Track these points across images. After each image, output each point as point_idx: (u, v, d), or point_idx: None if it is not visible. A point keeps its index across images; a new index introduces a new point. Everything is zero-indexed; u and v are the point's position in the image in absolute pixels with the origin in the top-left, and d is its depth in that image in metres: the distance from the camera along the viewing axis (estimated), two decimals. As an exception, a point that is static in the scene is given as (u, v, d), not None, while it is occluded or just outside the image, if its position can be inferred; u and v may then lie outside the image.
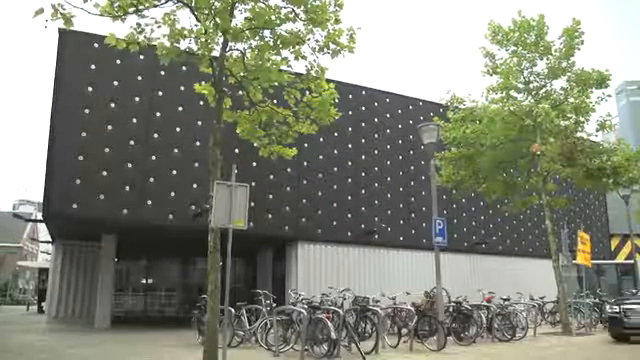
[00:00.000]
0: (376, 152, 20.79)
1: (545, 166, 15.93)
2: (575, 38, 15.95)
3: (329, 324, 9.41)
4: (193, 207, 15.73)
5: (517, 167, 17.36)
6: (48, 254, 29.08)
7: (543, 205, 16.26)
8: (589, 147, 16.17)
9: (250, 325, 11.62)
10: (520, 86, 16.55)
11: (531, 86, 16.55)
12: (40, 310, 27.66)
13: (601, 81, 15.83)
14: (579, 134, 16.48)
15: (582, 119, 16.15)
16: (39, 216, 21.80)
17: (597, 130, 16.54)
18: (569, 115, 15.95)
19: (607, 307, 13.34)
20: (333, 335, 9.30)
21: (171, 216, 15.90)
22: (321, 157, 19.13)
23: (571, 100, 15.94)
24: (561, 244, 16.28)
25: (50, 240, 22.85)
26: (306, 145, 17.64)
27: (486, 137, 16.21)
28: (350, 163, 20.04)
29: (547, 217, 15.94)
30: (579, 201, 27.43)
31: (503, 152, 16.44)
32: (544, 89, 16.58)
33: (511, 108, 15.86)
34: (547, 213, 16.01)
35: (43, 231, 25.90)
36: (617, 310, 12.08)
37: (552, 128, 15.77)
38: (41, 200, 16.40)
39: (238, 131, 10.51)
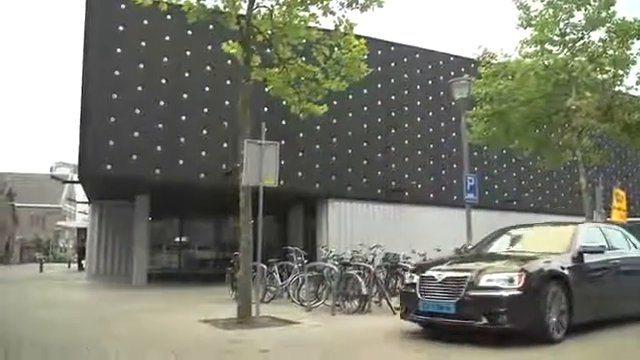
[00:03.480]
0: (406, 109, 20.54)
1: (580, 121, 15.46)
2: (616, -14, 15.19)
3: (360, 280, 9.54)
4: (224, 166, 15.89)
5: (551, 123, 16.91)
6: (85, 214, 29.94)
7: (577, 162, 15.90)
8: (628, 101, 15.60)
9: (282, 281, 11.84)
10: (555, 39, 15.91)
11: (567, 38, 15.90)
12: (80, 267, 28.74)
13: (643, 31, 15.13)
14: (617, 88, 15.89)
15: (621, 72, 15.51)
16: (75, 178, 22.35)
17: (637, 83, 15.92)
18: (607, 68, 15.34)
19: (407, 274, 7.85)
20: (364, 291, 9.44)
21: (202, 175, 16.14)
22: (351, 114, 18.99)
23: (610, 52, 15.29)
24: (596, 201, 15.97)
25: (87, 201, 23.49)
26: (335, 102, 17.47)
27: (519, 93, 15.78)
28: (380, 120, 19.87)
29: (581, 174, 15.58)
30: (616, 157, 26.70)
31: (536, 108, 15.98)
32: (581, 41, 15.92)
33: (545, 62, 15.34)
34: (582, 170, 15.64)
35: (80, 192, 26.62)
36: (413, 281, 6.88)
37: (589, 82, 15.23)
38: (76, 162, 16.78)
39: (267, 89, 10.47)
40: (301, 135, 17.67)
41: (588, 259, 6.92)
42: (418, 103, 20.81)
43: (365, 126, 19.46)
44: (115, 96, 15.43)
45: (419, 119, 20.73)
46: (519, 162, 22.29)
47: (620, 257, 7.69)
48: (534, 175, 23.21)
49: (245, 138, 8.68)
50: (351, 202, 18.77)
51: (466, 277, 6.27)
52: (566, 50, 15.86)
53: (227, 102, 16.32)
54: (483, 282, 6.16)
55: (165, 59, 16.27)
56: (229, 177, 15.46)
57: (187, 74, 16.47)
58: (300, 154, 17.64)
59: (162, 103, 16.00)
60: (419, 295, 6.55)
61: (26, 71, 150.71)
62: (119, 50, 15.73)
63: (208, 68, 16.67)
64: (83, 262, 26.33)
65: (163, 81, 16.13)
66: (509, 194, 22.58)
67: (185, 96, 16.35)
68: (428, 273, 6.66)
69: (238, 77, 10.32)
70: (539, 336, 6.08)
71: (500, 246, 8.06)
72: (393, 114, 20.18)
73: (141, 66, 15.93)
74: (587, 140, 16.53)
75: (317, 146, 18.25)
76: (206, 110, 16.47)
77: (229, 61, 14.40)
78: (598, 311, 7.02)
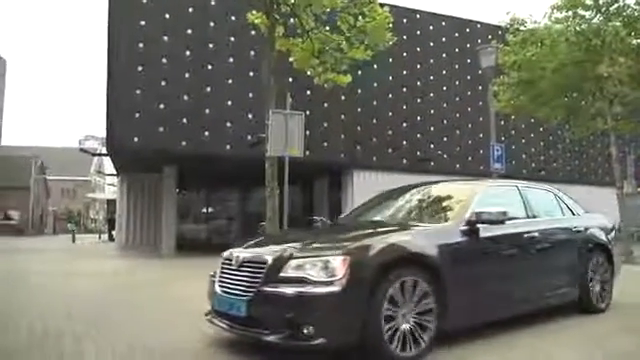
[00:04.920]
0: (432, 77, 20.25)
1: (612, 89, 15.08)
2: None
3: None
4: (249, 137, 15.96)
5: (581, 90, 16.51)
6: (114, 186, 30.53)
7: (608, 130, 15.55)
8: (663, 68, 15.12)
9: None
10: (588, 3, 15.39)
11: (601, 2, 15.35)
12: (111, 238, 29.42)
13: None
14: (652, 54, 15.39)
15: (657, 37, 15.02)
16: (103, 150, 22.73)
17: (673, 49, 15.38)
18: (642, 33, 14.86)
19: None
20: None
21: (228, 146, 16.26)
22: (375, 84, 18.82)
23: (646, 16, 14.78)
24: (626, 171, 15.67)
25: (115, 173, 23.91)
26: (360, 72, 17.33)
27: (548, 60, 15.40)
28: (405, 89, 19.66)
29: (612, 143, 15.28)
30: (648, 125, 26.01)
31: (566, 75, 15.60)
32: (615, 5, 15.39)
33: (577, 28, 14.90)
34: (612, 139, 15.33)
35: (108, 164, 27.13)
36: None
37: (622, 48, 14.77)
38: (104, 135, 17.04)
39: (292, 60, 10.42)
40: (326, 105, 17.60)
41: (486, 232, 4.66)
42: (444, 72, 20.48)
43: (390, 96, 19.29)
44: (140, 69, 15.54)
45: (445, 88, 20.44)
46: (547, 131, 21.86)
47: (543, 228, 5.40)
48: (562, 144, 22.77)
49: (270, 109, 8.70)
50: (376, 172, 18.73)
51: (266, 261, 3.98)
52: (599, 15, 15.35)
53: (252, 73, 16.31)
54: (288, 270, 3.85)
55: (189, 31, 16.27)
56: (254, 148, 15.57)
57: (211, 45, 16.47)
58: (325, 124, 17.61)
59: (187, 75, 16.07)
60: (216, 286, 4.42)
61: (55, 46, 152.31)
62: (143, 22, 15.78)
63: (232, 39, 16.64)
64: (113, 233, 26.96)
65: (187, 53, 16.17)
66: (536, 164, 22.24)
67: (210, 67, 16.39)
68: (228, 253, 4.48)
69: (262, 47, 10.30)
70: (375, 356, 3.79)
71: (378, 213, 5.71)
72: (418, 83, 19.93)
73: (165, 38, 15.98)
74: (619, 108, 16.13)
75: (342, 116, 18.18)
76: (231, 81, 16.50)
77: (253, 31, 14.35)
78: (498, 306, 4.81)
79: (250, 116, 16.12)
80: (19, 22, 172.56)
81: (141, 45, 15.65)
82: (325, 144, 17.63)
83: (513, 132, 21.44)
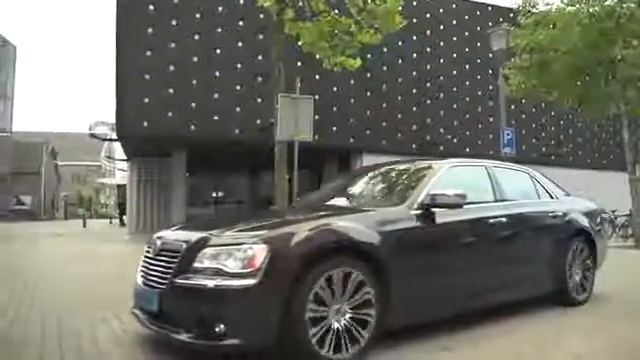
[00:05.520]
0: (442, 61, 20.07)
1: (626, 72, 14.85)
2: None
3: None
4: (258, 121, 15.95)
5: (594, 74, 16.29)
6: (124, 171, 30.67)
7: (621, 115, 15.37)
8: (678, 51, 14.86)
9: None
10: (602, -17, 15.17)
11: (614, -17, 15.14)
12: (122, 223, 29.65)
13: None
14: (667, 36, 15.12)
15: (672, 19, 14.74)
16: (113, 136, 22.81)
17: (688, 32, 15.09)
18: (658, 14, 14.58)
19: None
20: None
21: (237, 130, 16.27)
22: (385, 68, 18.70)
23: (662, -3, 14.51)
24: (638, 156, 15.50)
25: (125, 158, 24.01)
26: (370, 56, 17.20)
27: (561, 43, 15.18)
28: (415, 73, 19.52)
29: (624, 127, 15.11)
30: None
31: (579, 58, 15.37)
32: (629, -14, 15.14)
33: (590, 9, 14.66)
34: (625, 123, 15.15)
35: (118, 149, 27.24)
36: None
37: (637, 29, 14.53)
38: (114, 121, 17.09)
39: (301, 43, 10.35)
40: (335, 89, 17.53)
41: (444, 217, 4.12)
42: (454, 55, 20.29)
43: (399, 80, 19.17)
44: (149, 54, 15.53)
45: (455, 72, 20.27)
46: (558, 115, 21.66)
47: (512, 213, 4.82)
48: (574, 129, 22.57)
49: (279, 93, 8.66)
50: (385, 156, 18.64)
51: (180, 249, 3.50)
52: (614, -4, 15.09)
53: (260, 57, 16.25)
54: (203, 260, 3.33)
55: (197, 15, 16.21)
56: (264, 132, 15.55)
57: (219, 29, 16.41)
58: (334, 108, 17.55)
59: (195, 59, 16.03)
60: (137, 276, 3.90)
61: (64, 32, 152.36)
62: (151, 7, 15.74)
63: (241, 23, 16.56)
64: (124, 218, 27.15)
65: (196, 37, 16.12)
66: (547, 148, 22.07)
67: (218, 51, 16.35)
68: (152, 238, 4.03)
69: (271, 31, 10.23)
70: (299, 356, 3.29)
71: (338, 194, 5.13)
72: (428, 67, 19.78)
73: (174, 22, 15.93)
74: (632, 92, 15.88)
75: (351, 100, 18.11)
76: (239, 65, 16.45)
77: (261, 14, 14.26)
78: (452, 301, 4.24)
79: (259, 100, 16.09)
80: (29, 8, 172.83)
81: (150, 30, 15.62)
82: (334, 128, 17.59)
83: (524, 116, 21.25)
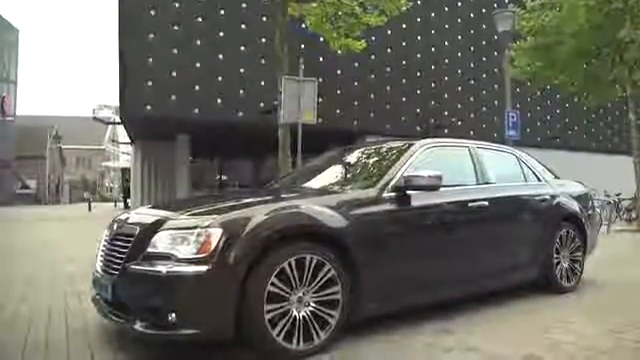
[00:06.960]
0: (446, 43, 19.93)
1: (633, 54, 14.68)
2: None
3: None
4: (262, 104, 15.92)
5: (600, 56, 16.12)
6: (128, 154, 30.74)
7: (627, 98, 15.23)
8: (686, 33, 14.67)
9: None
10: (609, -36, 14.95)
11: (622, -37, 14.91)
12: (126, 206, 29.74)
13: None
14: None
15: (681, 0, 14.52)
16: (117, 119, 22.83)
17: (698, 13, 14.88)
18: (667, -5, 14.37)
19: None
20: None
21: (241, 113, 16.26)
22: (389, 50, 18.59)
23: (671, -23, 14.28)
24: (645, 139, 15.38)
25: (129, 141, 24.05)
26: (374, 38, 17.11)
27: (567, 25, 15.01)
28: (419, 56, 19.40)
29: (631, 110, 14.96)
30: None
31: (585, 40, 15.20)
32: (638, -34, 14.91)
33: (598, -10, 14.46)
34: (631, 106, 15.01)
35: (122, 133, 27.28)
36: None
37: (646, 10, 14.34)
38: (118, 104, 17.10)
39: (303, 26, 10.30)
40: (339, 72, 17.45)
41: (420, 201, 3.88)
42: (459, 37, 20.14)
43: (404, 62, 19.05)
44: (152, 36, 15.48)
45: (459, 54, 20.12)
46: (563, 98, 21.53)
47: (495, 196, 4.53)
48: (579, 112, 22.43)
49: (283, 75, 8.64)
50: (390, 140, 18.63)
51: (133, 233, 3.28)
52: (621, -24, 14.88)
53: (264, 39, 16.16)
54: (157, 244, 3.11)
55: (200, -3, 16.12)
56: (267, 115, 15.54)
57: (223, 12, 16.32)
58: (338, 91, 17.49)
59: (199, 42, 15.97)
60: (97, 261, 3.64)
61: (68, 15, 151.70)
62: (154, -11, 15.66)
63: (244, 5, 16.45)
64: (129, 201, 27.24)
65: (199, 20, 16.04)
66: (552, 131, 21.97)
67: (221, 34, 16.27)
68: (111, 221, 3.78)
69: (275, 13, 10.17)
70: (261, 351, 3.07)
71: (312, 176, 4.86)
72: (433, 49, 19.64)
73: (176, 5, 15.85)
74: (639, 74, 15.75)
75: (355, 83, 18.04)
76: (243, 48, 16.38)
77: (265, -3, 14.17)
78: (426, 288, 3.94)
79: (262, 83, 16.04)
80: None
81: (153, 12, 15.55)
82: (338, 111, 17.55)
83: (529, 99, 21.15)
